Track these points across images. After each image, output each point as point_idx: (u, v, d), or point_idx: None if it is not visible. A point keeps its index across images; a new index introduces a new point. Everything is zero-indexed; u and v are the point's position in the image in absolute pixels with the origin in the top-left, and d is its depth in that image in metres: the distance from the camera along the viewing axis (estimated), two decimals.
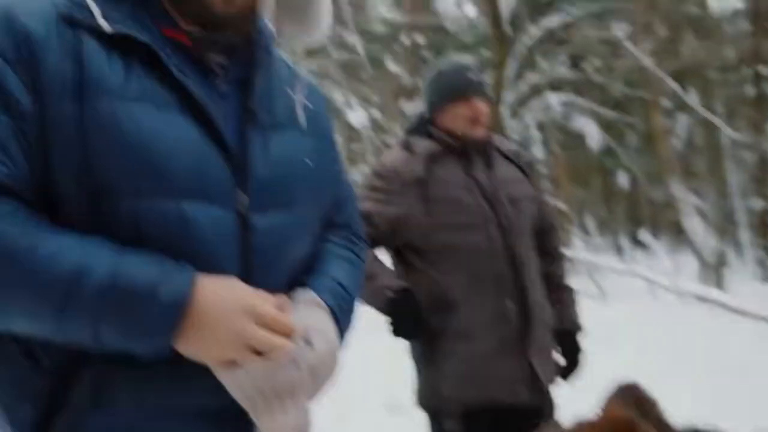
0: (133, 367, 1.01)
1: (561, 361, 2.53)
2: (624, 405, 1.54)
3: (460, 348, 2.29)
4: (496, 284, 2.31)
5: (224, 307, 0.99)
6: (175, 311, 0.98)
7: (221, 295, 1.00)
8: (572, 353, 2.54)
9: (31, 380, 1.01)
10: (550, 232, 2.62)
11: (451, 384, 2.30)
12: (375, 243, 2.29)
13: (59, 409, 1.00)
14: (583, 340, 2.60)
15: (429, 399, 2.38)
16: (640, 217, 22.72)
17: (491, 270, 2.31)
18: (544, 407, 2.40)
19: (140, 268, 0.97)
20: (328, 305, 1.18)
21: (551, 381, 2.44)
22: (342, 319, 1.21)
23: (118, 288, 0.95)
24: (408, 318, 2.28)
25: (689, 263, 15.32)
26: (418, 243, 2.36)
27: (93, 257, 0.94)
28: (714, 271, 13.24)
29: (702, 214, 14.95)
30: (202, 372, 1.03)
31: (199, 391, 1.06)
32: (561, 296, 2.57)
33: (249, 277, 1.07)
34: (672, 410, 5.54)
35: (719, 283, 12.73)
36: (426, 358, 2.37)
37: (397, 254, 2.45)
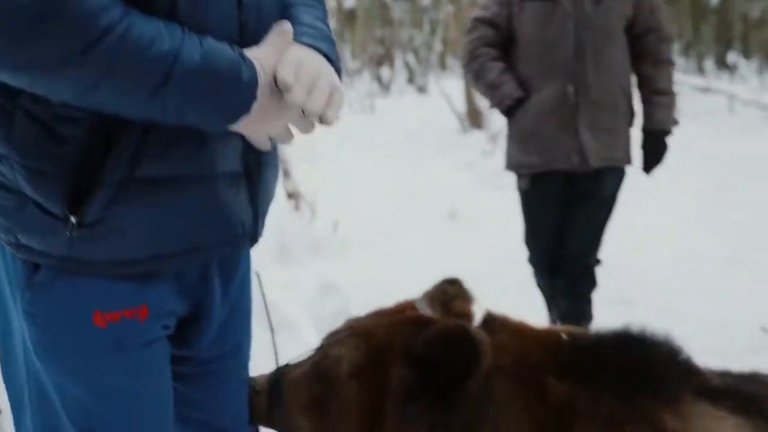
0: (165, 144, 1.04)
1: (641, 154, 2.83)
2: (434, 297, 1.44)
3: (528, 125, 2.72)
4: (562, 72, 2.66)
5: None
6: (254, 87, 1.02)
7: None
8: (652, 151, 2.81)
9: (64, 161, 1.01)
10: (648, 34, 2.74)
11: (520, 152, 2.79)
12: (488, 44, 2.78)
13: (95, 184, 1.01)
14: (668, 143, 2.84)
15: (508, 164, 2.94)
16: (729, 37, 20.63)
17: (559, 59, 2.66)
18: (600, 179, 2.74)
19: (221, 51, 1.00)
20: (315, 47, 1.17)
21: (607, 160, 2.71)
22: (332, 56, 1.21)
23: (210, 68, 0.98)
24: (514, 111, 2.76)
25: None
26: (510, 39, 2.77)
27: (184, 41, 0.97)
28: None
29: None
30: (224, 141, 1.09)
31: (221, 157, 1.11)
32: (652, 98, 2.77)
33: (243, 33, 1.09)
34: (741, 229, 5.16)
35: None
36: (509, 135, 2.89)
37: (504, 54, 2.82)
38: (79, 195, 1.00)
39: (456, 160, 8.11)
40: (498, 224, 5.57)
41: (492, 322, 1.40)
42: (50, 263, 1.05)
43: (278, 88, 1.06)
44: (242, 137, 1.12)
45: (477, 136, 9.46)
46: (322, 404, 1.34)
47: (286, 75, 1.04)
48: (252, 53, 1.04)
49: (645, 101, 2.77)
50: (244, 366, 1.41)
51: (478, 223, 5.74)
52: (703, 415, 1.29)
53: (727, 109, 11.57)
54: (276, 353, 2.33)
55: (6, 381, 1.21)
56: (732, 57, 17.07)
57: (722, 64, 18.78)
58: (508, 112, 2.78)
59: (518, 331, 1.40)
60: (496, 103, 2.85)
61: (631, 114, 2.78)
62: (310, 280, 3.42)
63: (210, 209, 1.12)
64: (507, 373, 1.30)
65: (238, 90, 1.01)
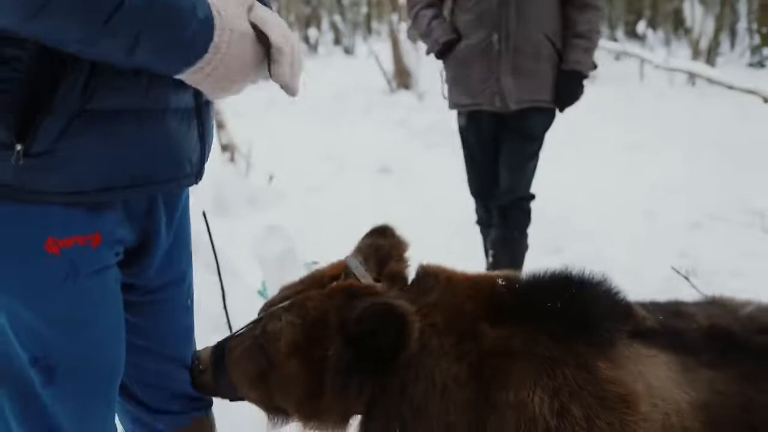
0: (118, 77, 1.02)
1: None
2: (367, 254, 1.46)
3: (460, 69, 2.95)
4: (489, 22, 2.84)
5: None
6: (210, 27, 0.99)
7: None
8: (566, 90, 2.89)
9: (10, 86, 0.97)
10: None
11: (455, 92, 2.99)
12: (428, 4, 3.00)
13: (44, 114, 0.98)
14: (583, 84, 2.94)
15: (450, 103, 3.10)
16: (640, 8, 21.43)
17: (485, 10, 2.84)
18: (525, 118, 2.91)
19: None
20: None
21: (530, 102, 2.87)
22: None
23: (164, 1, 0.94)
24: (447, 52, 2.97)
25: (682, 52, 14.78)
26: None
27: None
28: (705, 58, 12.68)
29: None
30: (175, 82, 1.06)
31: (174, 92, 1.11)
32: (571, 40, 2.87)
33: None
34: (653, 182, 5.46)
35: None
36: (446, 76, 3.06)
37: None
38: (27, 123, 0.97)
39: (385, 118, 8.13)
40: (428, 178, 5.68)
41: (425, 278, 1.42)
42: None
43: (261, 47, 1.07)
44: None
45: (405, 96, 9.50)
46: (267, 377, 1.36)
47: (281, 42, 1.07)
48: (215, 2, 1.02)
49: (564, 43, 2.87)
50: (188, 295, 1.42)
51: (409, 177, 5.82)
52: (635, 359, 1.34)
53: (638, 75, 12.13)
54: (223, 294, 2.32)
55: None
56: (641, 27, 17.73)
57: (632, 34, 19.51)
58: (439, 55, 2.98)
59: (451, 284, 1.41)
60: (429, 49, 3.04)
61: (559, 58, 2.89)
62: (250, 230, 3.39)
63: (161, 144, 1.12)
64: (440, 330, 1.32)
65: (191, 26, 0.96)
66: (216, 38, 1.00)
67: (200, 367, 1.42)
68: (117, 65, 0.97)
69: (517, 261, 3.05)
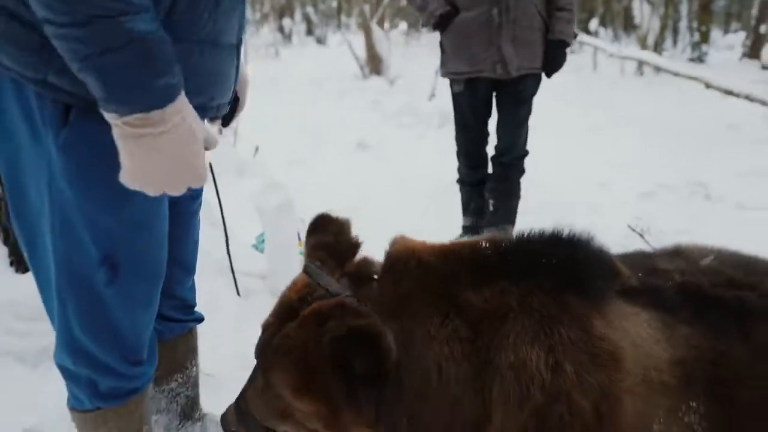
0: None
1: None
2: (324, 258, 1.37)
3: (460, 40, 3.10)
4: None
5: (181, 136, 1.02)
6: (174, 92, 0.98)
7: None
8: (553, 58, 3.13)
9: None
10: None
11: (453, 61, 3.16)
12: None
13: None
14: (566, 52, 3.18)
15: (444, 73, 3.27)
16: (592, 8, 21.85)
17: None
18: (521, 84, 3.12)
19: (168, 48, 0.97)
20: None
21: (527, 69, 3.08)
22: None
23: (152, 41, 0.94)
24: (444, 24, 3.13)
25: (631, 48, 15.19)
26: None
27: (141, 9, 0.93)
28: (652, 51, 13.10)
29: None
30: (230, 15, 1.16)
31: (226, 31, 1.20)
32: (554, 13, 3.09)
33: None
34: (610, 158, 5.70)
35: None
36: (443, 47, 3.22)
37: None
38: None
39: (359, 101, 8.22)
40: (401, 154, 5.83)
41: (394, 267, 1.33)
42: (81, 105, 1.07)
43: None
44: (242, 13, 1.22)
45: (377, 81, 9.60)
46: (291, 414, 1.34)
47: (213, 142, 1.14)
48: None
49: (549, 16, 3.08)
50: (198, 210, 1.54)
51: (384, 152, 5.95)
52: (623, 317, 1.34)
53: (592, 66, 12.47)
54: (227, 240, 2.41)
55: (18, 220, 1.23)
56: (594, 24, 18.10)
57: (585, 31, 19.89)
58: (435, 27, 3.12)
59: (423, 266, 1.34)
60: (424, 22, 3.18)
61: (546, 29, 3.11)
62: (240, 195, 3.48)
63: (216, 73, 1.21)
64: (421, 318, 1.28)
65: (162, 78, 0.96)
66: (176, 105, 0.98)
67: (231, 428, 1.42)
68: (68, 62, 0.95)
69: (514, 208, 3.33)
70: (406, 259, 1.33)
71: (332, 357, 1.19)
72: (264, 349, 1.33)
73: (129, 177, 1.01)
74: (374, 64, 10.03)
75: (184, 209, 1.45)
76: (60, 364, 1.32)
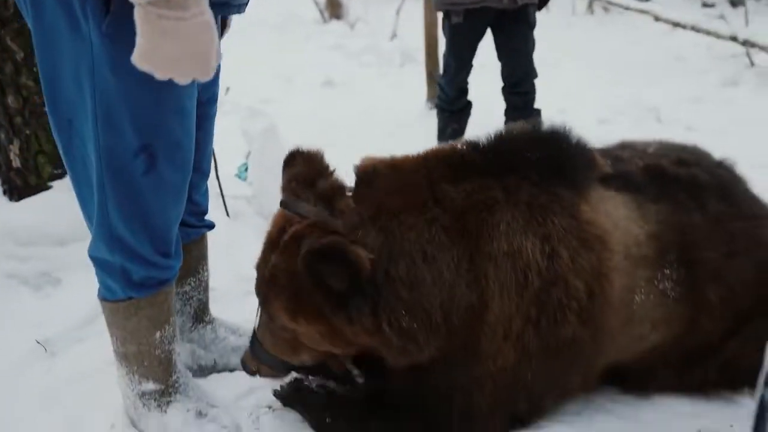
0: None
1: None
2: (299, 190, 1.36)
3: None
4: None
5: None
6: None
7: None
8: None
9: None
10: None
11: None
12: None
13: None
14: None
15: (440, 4, 3.19)
16: None
17: None
18: (525, 11, 3.14)
19: None
20: None
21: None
22: None
23: None
24: None
25: None
26: None
27: None
28: None
29: None
30: None
31: None
32: None
33: None
34: (568, 89, 5.78)
35: None
36: None
37: None
38: None
39: (323, 44, 8.05)
40: (366, 91, 5.83)
41: (366, 177, 1.33)
42: None
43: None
44: None
45: (337, 26, 9.39)
46: (300, 343, 1.37)
47: None
48: None
49: None
50: (215, 116, 1.53)
51: (349, 89, 5.92)
52: (604, 201, 1.40)
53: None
54: (215, 163, 2.39)
55: (55, 113, 1.23)
56: None
57: None
58: None
59: (395, 169, 1.34)
60: None
61: None
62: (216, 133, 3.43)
63: None
64: (397, 213, 1.27)
65: None
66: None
67: (253, 369, 1.46)
68: None
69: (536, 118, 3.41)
70: (376, 167, 1.34)
71: (310, 274, 1.19)
72: (260, 286, 1.36)
73: (139, 56, 1.01)
74: (334, 8, 9.80)
75: (203, 112, 1.44)
76: (96, 256, 1.33)
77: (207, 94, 1.43)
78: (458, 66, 3.32)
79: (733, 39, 5.95)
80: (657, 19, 6.63)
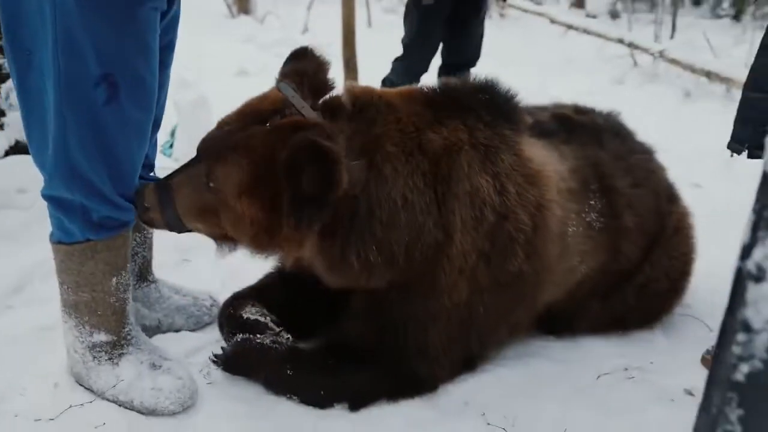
0: None
1: None
2: (297, 81, 1.37)
3: None
4: None
5: None
6: None
7: None
8: None
9: None
10: None
11: None
12: None
13: None
14: None
15: None
16: None
17: None
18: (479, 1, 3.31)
19: None
20: None
21: None
22: None
23: None
24: None
25: None
26: None
27: None
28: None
29: None
30: None
31: None
32: None
33: None
34: (559, 90, 5.90)
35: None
36: None
37: None
38: None
39: (233, 36, 7.88)
40: None
41: (367, 107, 1.36)
42: None
43: None
44: None
45: (246, 20, 9.21)
46: (217, 213, 1.29)
47: None
48: None
49: None
50: (171, 64, 1.52)
51: (264, 79, 5.78)
52: (530, 144, 1.54)
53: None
54: None
55: (13, 41, 1.19)
56: None
57: None
58: None
59: (392, 109, 1.38)
60: None
61: None
62: None
63: None
64: (392, 155, 1.33)
65: None
66: None
67: (145, 204, 1.34)
68: None
69: None
70: (373, 100, 1.38)
71: (292, 163, 1.16)
72: (216, 143, 1.28)
73: None
74: (242, 3, 9.59)
75: (161, 59, 1.40)
76: (52, 195, 1.27)
77: (164, 40, 1.41)
78: (424, 49, 3.39)
79: (620, 41, 6.49)
80: (552, 21, 7.08)
